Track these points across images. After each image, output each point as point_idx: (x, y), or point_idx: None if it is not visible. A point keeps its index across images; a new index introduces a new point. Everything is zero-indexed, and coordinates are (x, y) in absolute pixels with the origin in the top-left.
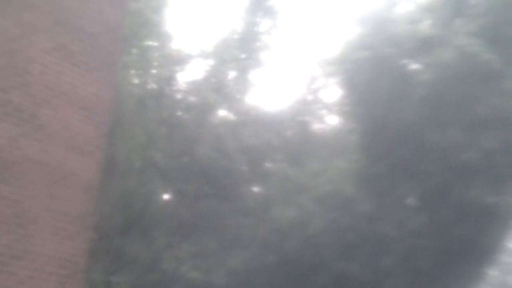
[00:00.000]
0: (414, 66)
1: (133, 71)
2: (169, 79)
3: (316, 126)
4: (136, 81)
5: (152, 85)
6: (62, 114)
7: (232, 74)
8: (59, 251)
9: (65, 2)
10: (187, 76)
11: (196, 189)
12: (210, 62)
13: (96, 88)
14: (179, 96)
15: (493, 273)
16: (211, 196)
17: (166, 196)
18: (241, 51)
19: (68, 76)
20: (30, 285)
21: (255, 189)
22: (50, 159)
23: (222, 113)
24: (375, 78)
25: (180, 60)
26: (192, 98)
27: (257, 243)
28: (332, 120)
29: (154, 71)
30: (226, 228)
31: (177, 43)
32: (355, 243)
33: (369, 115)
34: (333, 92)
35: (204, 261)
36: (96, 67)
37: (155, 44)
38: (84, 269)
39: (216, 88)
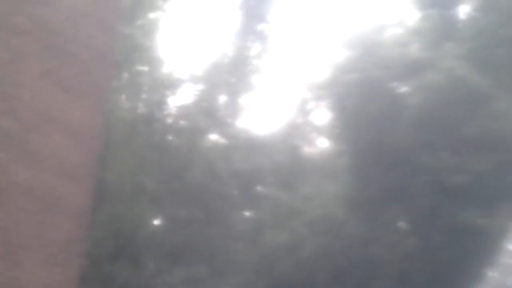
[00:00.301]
0: (403, 89)
1: (123, 96)
2: (160, 104)
3: (307, 150)
4: (126, 105)
5: (143, 110)
6: (52, 140)
7: (222, 98)
8: (49, 279)
9: (55, 27)
10: (178, 100)
11: (187, 214)
12: (201, 86)
13: (86, 114)
14: (170, 120)
15: (492, 274)
16: (202, 221)
17: (156, 221)
18: (232, 75)
19: (58, 102)
20: None
21: (247, 213)
22: (39, 186)
23: (213, 137)
24: (364, 101)
25: (171, 85)
26: (183, 123)
27: (249, 268)
28: (323, 143)
29: (144, 95)
30: (218, 253)
31: (168, 68)
32: (346, 267)
33: (359, 138)
34: (323, 115)
35: (195, 287)
36: (87, 93)
37: (146, 68)
38: None
39: (207, 112)
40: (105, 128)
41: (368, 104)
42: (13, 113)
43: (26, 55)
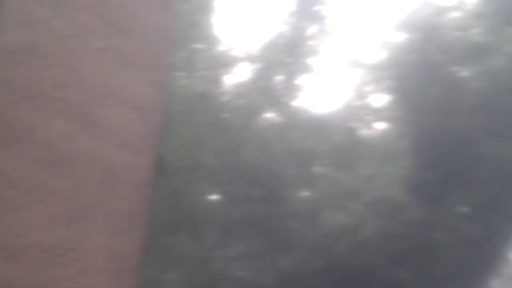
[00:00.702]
0: (464, 73)
1: (180, 73)
2: (216, 82)
3: (364, 131)
4: (183, 83)
5: (199, 87)
6: (114, 112)
7: (279, 78)
8: (113, 246)
9: (116, 3)
10: (234, 78)
11: (244, 191)
12: (257, 65)
13: (147, 88)
14: (226, 98)
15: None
16: (258, 198)
17: (214, 197)
18: (289, 55)
19: (120, 76)
20: (84, 277)
21: (304, 192)
22: (103, 156)
23: (270, 116)
24: (424, 83)
25: (227, 63)
26: (239, 101)
27: (306, 247)
28: (381, 126)
29: (201, 73)
30: (275, 231)
31: (224, 46)
32: (405, 250)
33: (419, 121)
34: (381, 97)
35: (252, 262)
36: (147, 68)
37: (203, 46)
38: (138, 265)
39: (263, 91)
40: (164, 103)
41: (428, 87)
42: (78, 86)
43: (88, 30)
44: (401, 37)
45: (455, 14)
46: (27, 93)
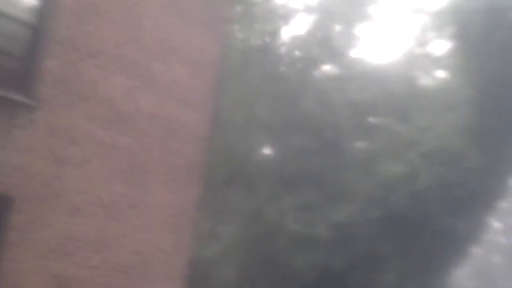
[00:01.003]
0: None
1: (237, 26)
2: (273, 34)
3: (424, 81)
4: (240, 36)
5: (256, 40)
6: (173, 68)
7: (337, 28)
8: (171, 201)
9: None
10: (292, 30)
11: (300, 143)
12: (315, 16)
13: (205, 43)
14: (283, 50)
15: (477, 251)
16: (315, 150)
17: (269, 150)
18: (347, 4)
19: (179, 31)
20: (144, 232)
21: (360, 144)
22: (162, 112)
23: (327, 67)
24: (490, 30)
25: (285, 15)
26: (296, 53)
27: (362, 197)
28: (441, 75)
29: (258, 25)
30: (330, 182)
31: None
32: (463, 199)
33: (482, 69)
34: (442, 45)
35: (307, 214)
36: (205, 22)
37: None
38: (193, 219)
39: (321, 42)
40: (222, 57)
41: (493, 34)
42: (137, 42)
43: None
44: None
45: None
46: (88, 50)
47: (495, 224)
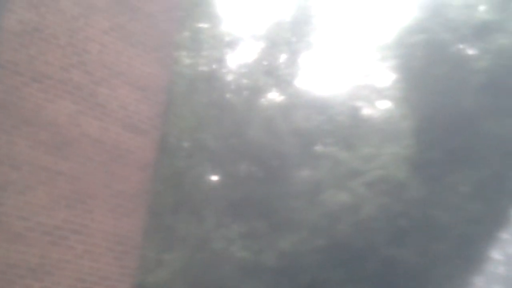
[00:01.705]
0: (470, 51)
1: (184, 52)
2: (220, 61)
3: (368, 111)
4: (187, 62)
5: (203, 67)
6: (119, 93)
7: (283, 57)
8: (116, 228)
9: None
10: (238, 58)
11: (246, 171)
12: (262, 44)
13: (152, 68)
14: (229, 78)
15: (478, 282)
16: (261, 178)
17: (216, 177)
18: (293, 33)
19: (126, 56)
20: (87, 259)
21: (306, 172)
22: (108, 137)
23: (273, 95)
24: (430, 63)
25: (231, 42)
26: (243, 80)
27: (307, 226)
28: (384, 105)
29: (205, 52)
30: (276, 210)
31: (228, 25)
32: (407, 229)
33: (423, 101)
34: (386, 77)
35: (253, 242)
36: (153, 47)
37: (207, 25)
38: (139, 246)
39: (267, 71)
40: (169, 83)
41: (434, 67)
42: (83, 66)
43: (95, 10)
44: (408, 16)
45: None
46: (32, 74)
47: (496, 255)
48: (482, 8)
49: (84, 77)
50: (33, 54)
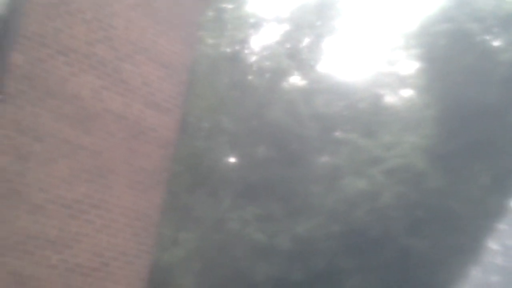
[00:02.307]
0: (496, 43)
1: (208, 32)
2: (243, 42)
3: (390, 99)
4: (210, 42)
5: (226, 48)
6: (143, 70)
7: (307, 41)
8: (135, 204)
9: None
10: (261, 40)
11: (265, 153)
12: (285, 27)
13: (176, 46)
14: (252, 60)
15: (475, 273)
16: (279, 161)
17: (234, 159)
18: (317, 17)
19: (151, 33)
20: (106, 234)
21: (325, 157)
22: (130, 114)
23: (295, 79)
24: (455, 53)
25: (255, 24)
26: (265, 63)
27: (324, 211)
28: (407, 94)
29: (228, 33)
30: (293, 195)
31: (253, 6)
32: (423, 219)
33: (446, 91)
34: (409, 65)
35: (269, 225)
36: (178, 25)
37: (231, 6)
38: (157, 223)
39: (290, 54)
40: (192, 62)
41: (458, 57)
42: (108, 42)
43: None
44: (434, 4)
45: None
46: (58, 47)
47: (493, 245)
48: None
49: (109, 52)
50: (59, 27)
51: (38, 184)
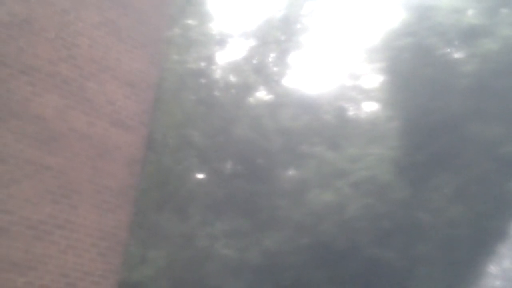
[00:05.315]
0: (457, 55)
1: (174, 49)
2: (209, 58)
3: (355, 112)
4: (176, 58)
5: (192, 64)
6: (107, 88)
7: (272, 56)
8: (101, 223)
9: None
10: (227, 56)
11: (232, 169)
12: (251, 42)
13: (141, 64)
14: (218, 75)
15: None
16: (246, 176)
17: (201, 174)
18: (282, 32)
19: (115, 51)
20: (71, 254)
21: (291, 171)
22: (95, 133)
23: (261, 94)
24: (417, 66)
25: (221, 40)
26: (231, 78)
27: (292, 225)
28: (371, 107)
29: (194, 49)
30: (261, 209)
31: (219, 23)
32: (390, 230)
33: (409, 103)
34: (373, 78)
35: (238, 240)
36: (142, 43)
37: (197, 22)
38: (123, 242)
39: (256, 69)
40: (157, 79)
41: (420, 70)
42: (72, 60)
43: (85, 4)
44: (397, 18)
45: None
46: (21, 67)
47: (492, 269)
48: (470, 12)
49: (73, 71)
50: (22, 47)
51: (1, 205)
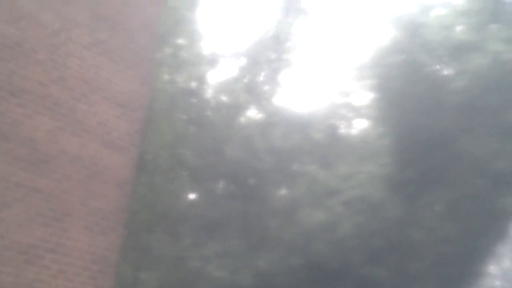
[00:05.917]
0: (447, 72)
1: (164, 69)
2: (200, 78)
3: (346, 130)
4: (167, 78)
5: (183, 84)
6: (98, 109)
7: (263, 75)
8: (92, 246)
9: None
10: (218, 75)
11: (223, 189)
12: (242, 62)
13: (132, 84)
14: (209, 95)
15: None
16: (238, 196)
17: (193, 195)
18: (273, 51)
19: (106, 72)
20: (62, 279)
21: (283, 190)
22: (86, 154)
23: (252, 113)
24: (407, 83)
25: (212, 60)
26: (222, 98)
27: (284, 245)
28: (362, 124)
29: (185, 69)
30: (253, 229)
31: (209, 42)
32: (382, 248)
33: (400, 120)
34: (363, 96)
35: (230, 261)
36: (133, 63)
37: (187, 42)
38: (115, 265)
39: (247, 88)
40: (148, 100)
41: (411, 87)
42: (63, 82)
43: (76, 25)
44: (386, 36)
45: (439, 12)
46: (11, 89)
47: (491, 268)
48: (459, 28)
49: (64, 93)
50: (13, 69)
51: None
